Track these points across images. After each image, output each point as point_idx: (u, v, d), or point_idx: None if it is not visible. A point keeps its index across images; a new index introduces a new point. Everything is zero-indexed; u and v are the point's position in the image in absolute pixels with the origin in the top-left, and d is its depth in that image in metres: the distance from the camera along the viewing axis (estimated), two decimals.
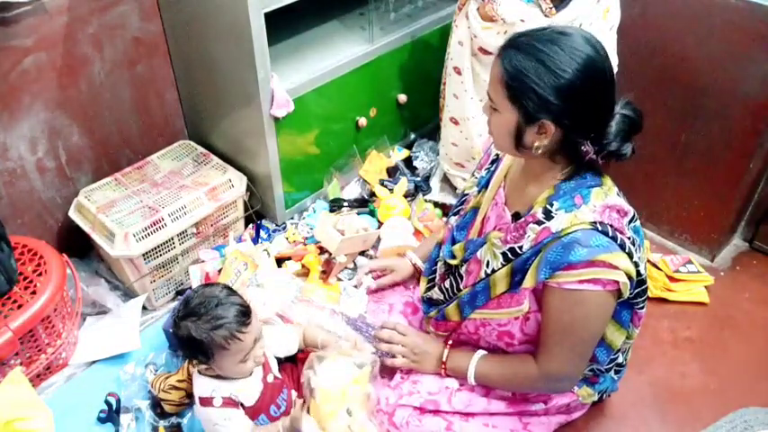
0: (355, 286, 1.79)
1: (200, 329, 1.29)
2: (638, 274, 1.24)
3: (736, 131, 1.88)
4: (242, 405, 1.39)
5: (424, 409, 1.43)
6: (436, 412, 1.43)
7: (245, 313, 1.33)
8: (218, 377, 1.38)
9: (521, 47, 1.16)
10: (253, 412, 1.40)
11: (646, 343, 1.83)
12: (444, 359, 1.46)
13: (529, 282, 1.25)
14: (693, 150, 2.00)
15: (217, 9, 1.76)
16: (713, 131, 1.93)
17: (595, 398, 1.50)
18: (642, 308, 1.35)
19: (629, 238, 1.22)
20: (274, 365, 1.48)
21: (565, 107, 1.15)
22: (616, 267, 1.18)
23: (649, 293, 1.96)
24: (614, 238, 1.19)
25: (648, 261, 2.05)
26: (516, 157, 1.31)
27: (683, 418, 1.65)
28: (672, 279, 1.99)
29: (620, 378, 1.55)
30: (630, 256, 1.21)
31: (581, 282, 1.19)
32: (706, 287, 2.00)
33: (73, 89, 1.87)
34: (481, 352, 1.44)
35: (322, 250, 2.02)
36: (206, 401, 1.37)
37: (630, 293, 1.25)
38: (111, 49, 1.90)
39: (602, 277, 1.18)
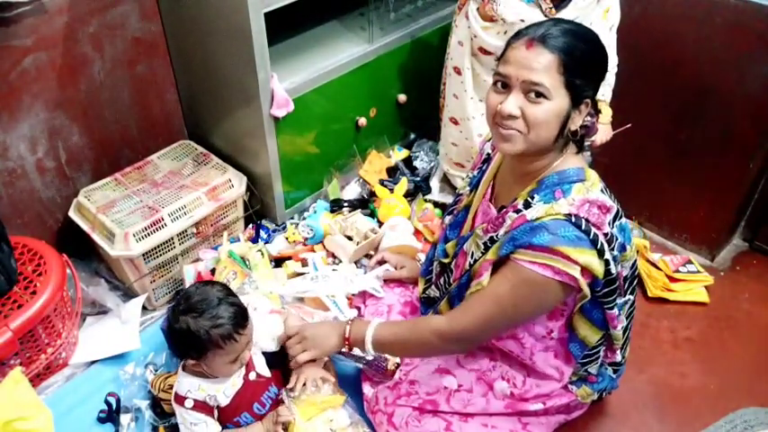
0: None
1: (200, 326, 1.30)
2: (608, 272, 1.23)
3: (736, 131, 1.88)
4: (218, 407, 1.40)
5: (423, 409, 1.43)
6: (435, 413, 1.43)
7: (243, 315, 1.35)
8: (201, 375, 1.39)
9: (558, 33, 1.16)
10: (233, 409, 1.40)
11: (646, 343, 1.84)
12: (347, 334, 1.43)
13: (491, 254, 1.26)
14: (693, 150, 2.00)
15: (217, 9, 1.76)
16: (713, 131, 1.93)
17: (594, 397, 1.49)
18: (612, 307, 1.31)
19: (605, 235, 1.21)
20: (259, 363, 1.47)
21: (599, 78, 1.23)
22: (574, 262, 1.18)
23: (649, 293, 1.98)
24: (587, 232, 1.18)
25: (648, 261, 2.05)
26: (547, 149, 1.25)
27: (682, 418, 1.65)
28: (672, 279, 1.99)
29: (620, 376, 1.55)
30: (601, 253, 1.20)
31: (532, 263, 1.19)
32: (706, 287, 2.00)
33: (73, 89, 1.87)
34: (379, 320, 1.43)
35: (327, 252, 2.02)
36: (179, 399, 1.39)
37: (598, 292, 1.25)
38: (111, 49, 1.90)
39: (556, 266, 1.18)
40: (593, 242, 1.19)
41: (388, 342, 1.40)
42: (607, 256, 1.21)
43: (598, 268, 1.20)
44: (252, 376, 1.44)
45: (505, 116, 1.19)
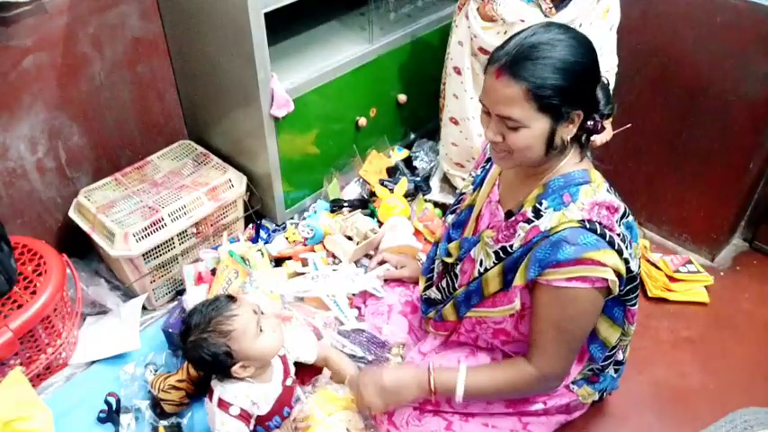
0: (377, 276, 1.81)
1: (204, 326, 1.32)
2: (629, 270, 1.25)
3: (736, 131, 1.88)
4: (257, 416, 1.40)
5: (424, 408, 1.43)
6: (436, 412, 1.43)
7: (229, 297, 1.39)
8: (245, 381, 1.38)
9: (525, 57, 1.13)
10: (269, 414, 1.41)
11: (646, 343, 1.83)
12: (433, 386, 1.35)
13: (519, 280, 1.25)
14: (693, 150, 2.00)
15: (217, 9, 1.76)
16: (713, 131, 1.93)
17: (596, 397, 1.49)
18: (634, 304, 1.34)
19: (618, 235, 1.22)
20: (293, 369, 1.49)
21: (583, 89, 1.17)
22: (604, 265, 1.18)
23: (649, 293, 1.98)
24: (603, 236, 1.19)
25: (648, 261, 2.05)
26: (541, 163, 1.26)
27: (683, 418, 1.65)
28: (672, 279, 1.99)
29: (620, 375, 1.55)
30: (620, 253, 1.21)
31: (569, 279, 1.20)
32: (706, 287, 2.00)
33: (73, 89, 1.87)
34: (464, 365, 1.37)
35: (327, 252, 2.02)
36: (224, 405, 1.36)
37: (621, 290, 1.25)
38: (111, 49, 1.90)
39: (591, 275, 1.19)
40: (611, 244, 1.20)
41: (481, 391, 1.36)
42: (626, 255, 1.23)
43: (622, 267, 1.21)
44: (288, 382, 1.45)
45: (490, 142, 1.21)
